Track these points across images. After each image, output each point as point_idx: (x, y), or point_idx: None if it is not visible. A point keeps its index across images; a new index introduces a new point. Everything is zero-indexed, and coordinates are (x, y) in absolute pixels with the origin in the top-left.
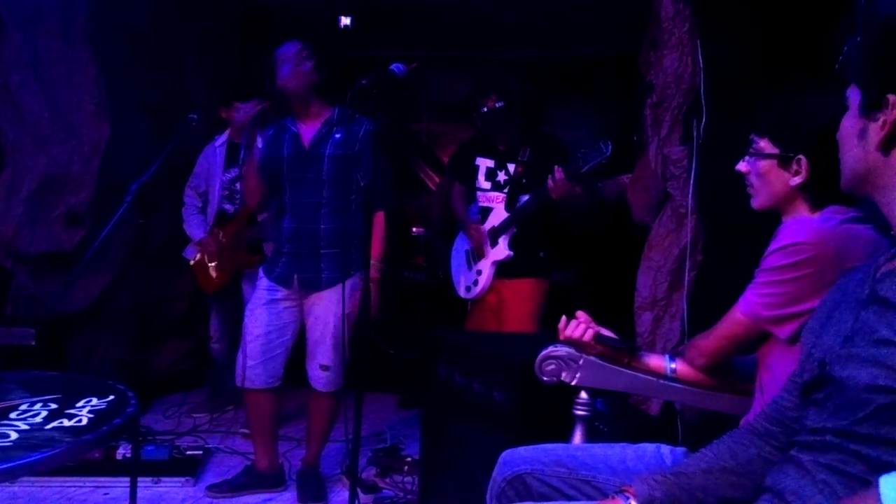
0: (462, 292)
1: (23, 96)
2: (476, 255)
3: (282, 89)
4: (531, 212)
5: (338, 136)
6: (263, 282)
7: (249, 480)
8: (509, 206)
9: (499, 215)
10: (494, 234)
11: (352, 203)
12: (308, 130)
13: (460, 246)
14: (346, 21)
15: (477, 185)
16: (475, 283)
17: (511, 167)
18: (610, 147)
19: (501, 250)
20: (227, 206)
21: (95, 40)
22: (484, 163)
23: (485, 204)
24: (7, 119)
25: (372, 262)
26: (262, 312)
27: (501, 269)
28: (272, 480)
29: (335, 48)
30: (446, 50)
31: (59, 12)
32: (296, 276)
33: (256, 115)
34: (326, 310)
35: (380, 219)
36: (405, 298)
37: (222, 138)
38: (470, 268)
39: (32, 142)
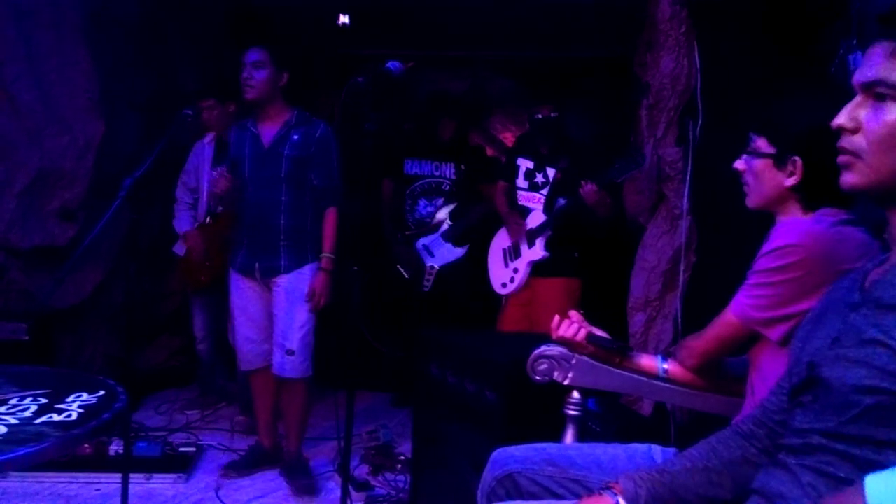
0: (498, 288)
1: (17, 90)
2: (513, 253)
3: (243, 95)
4: (567, 216)
5: (295, 137)
6: (232, 272)
7: (260, 458)
8: (547, 209)
9: (537, 217)
10: (532, 235)
11: (307, 200)
12: (268, 131)
13: (498, 243)
14: (344, 19)
15: (516, 184)
16: (511, 280)
17: (551, 172)
18: (647, 160)
19: (538, 251)
20: (215, 206)
21: (89, 35)
22: (524, 163)
23: (522, 203)
24: (2, 113)
25: (324, 254)
26: (240, 299)
27: (536, 268)
28: (276, 458)
29: (331, 45)
30: (443, 49)
31: (53, 7)
32: (256, 265)
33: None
34: (289, 294)
35: (331, 215)
36: (398, 296)
37: (210, 136)
38: (507, 265)
39: (26, 136)
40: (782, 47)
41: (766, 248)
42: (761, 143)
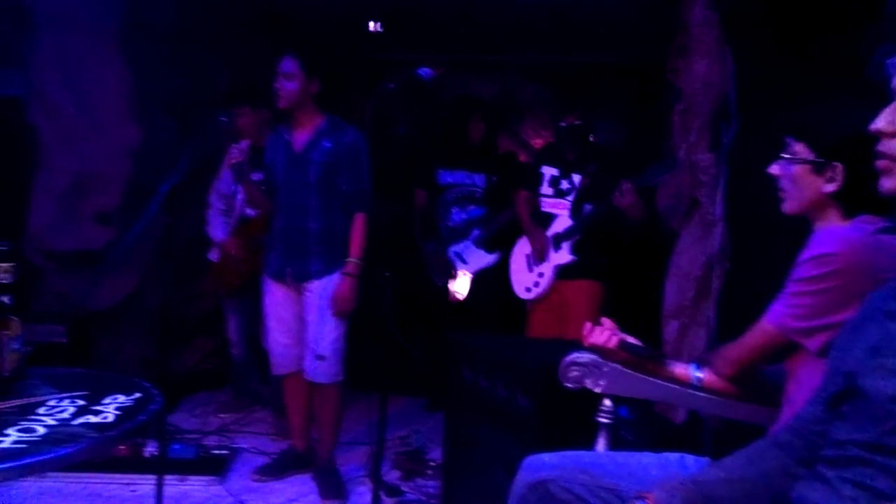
0: (521, 293)
1: (56, 97)
2: (538, 258)
3: (276, 104)
4: (595, 221)
5: (326, 144)
6: (266, 277)
7: (293, 461)
8: (574, 214)
9: (563, 222)
10: (558, 240)
11: (337, 205)
12: (299, 137)
13: (520, 249)
14: (375, 26)
15: (540, 192)
16: (536, 284)
17: (577, 178)
18: (679, 164)
19: (564, 255)
20: (249, 211)
21: (124, 40)
22: (549, 171)
23: (547, 210)
24: (40, 118)
25: (350, 259)
26: (272, 303)
27: (563, 271)
28: (309, 462)
29: (362, 51)
30: (472, 54)
31: (90, 12)
32: (288, 270)
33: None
34: (319, 300)
35: (360, 220)
36: (431, 301)
37: (246, 143)
38: (531, 270)
39: (65, 141)
40: (816, 51)
41: (804, 256)
42: (800, 149)
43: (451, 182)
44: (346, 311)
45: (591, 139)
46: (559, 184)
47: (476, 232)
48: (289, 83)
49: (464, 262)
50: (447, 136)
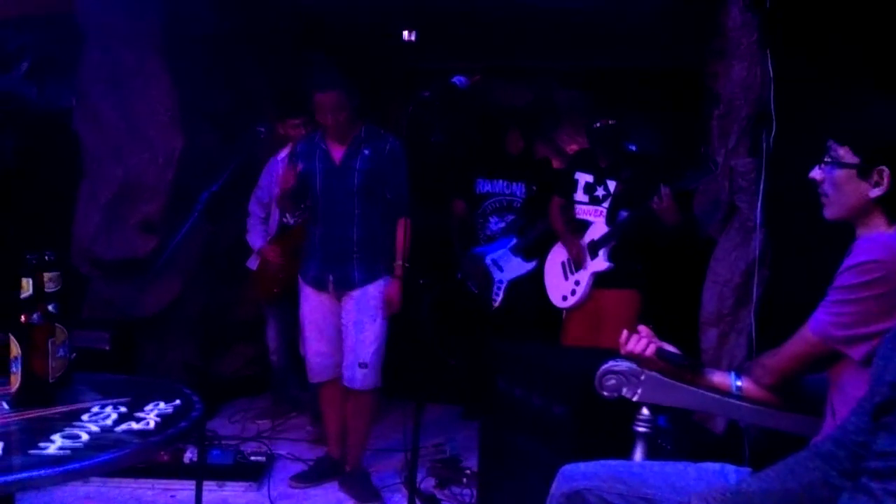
0: (558, 301)
1: (101, 108)
2: (574, 265)
3: (322, 125)
4: (631, 227)
5: (367, 152)
6: (304, 285)
7: (329, 468)
8: (610, 220)
9: (599, 229)
10: (594, 247)
11: (378, 212)
12: (338, 147)
13: (555, 257)
14: (409, 36)
15: (574, 199)
16: (572, 292)
17: (611, 184)
18: (719, 168)
19: (601, 262)
20: (288, 219)
21: (168, 52)
22: (583, 177)
23: (582, 217)
24: (87, 129)
25: (396, 262)
26: (311, 312)
27: (599, 279)
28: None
29: (399, 60)
30: (508, 60)
31: (136, 25)
32: (330, 278)
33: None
34: (362, 307)
35: (403, 224)
36: (467, 309)
37: (284, 152)
38: (567, 278)
39: (110, 151)
40: (857, 53)
41: (847, 263)
42: (843, 153)
43: (489, 191)
44: (395, 312)
45: (625, 144)
46: (594, 190)
47: (514, 240)
48: (336, 115)
49: (500, 269)
50: (485, 145)
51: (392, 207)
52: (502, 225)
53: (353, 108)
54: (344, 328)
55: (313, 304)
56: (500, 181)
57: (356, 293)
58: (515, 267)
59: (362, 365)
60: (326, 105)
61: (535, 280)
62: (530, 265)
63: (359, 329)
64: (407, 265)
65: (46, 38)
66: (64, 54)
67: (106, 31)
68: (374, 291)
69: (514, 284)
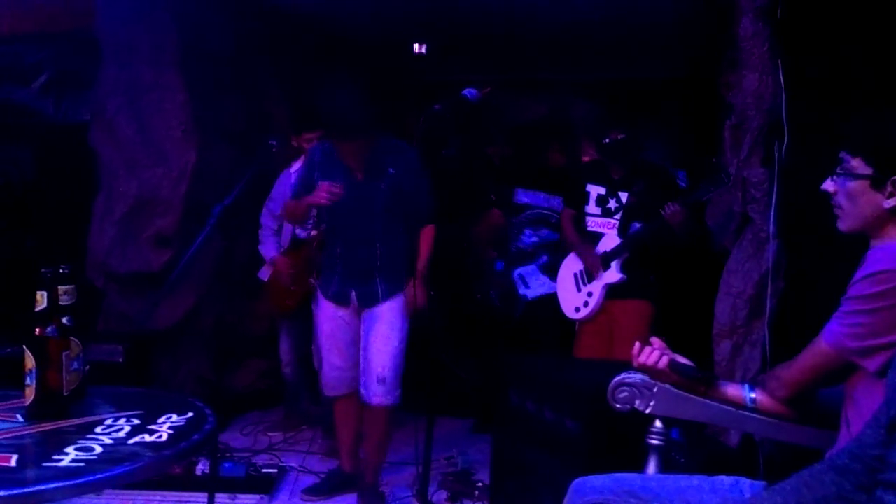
0: (570, 313)
1: (117, 122)
2: (587, 276)
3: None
4: (644, 238)
5: (391, 170)
6: (322, 300)
7: (341, 482)
8: (622, 232)
9: (611, 241)
10: (607, 259)
11: (401, 227)
12: (355, 159)
13: (568, 268)
14: (420, 48)
15: (586, 211)
16: (585, 304)
17: (623, 196)
18: (732, 178)
19: (614, 274)
20: (300, 232)
21: (184, 67)
22: (595, 189)
23: (594, 229)
24: (103, 144)
25: (419, 264)
26: (329, 327)
27: (612, 291)
28: (356, 483)
29: (412, 72)
30: (519, 73)
31: (153, 40)
32: (353, 293)
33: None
34: (384, 322)
35: (429, 231)
36: (480, 322)
37: (297, 164)
38: (579, 290)
39: (125, 166)
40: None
41: (861, 273)
42: (856, 164)
43: (528, 202)
44: (420, 308)
45: (638, 156)
46: (606, 202)
47: (545, 258)
48: (361, 153)
49: (526, 286)
50: (525, 157)
51: (416, 218)
52: (535, 239)
53: (370, 122)
54: (363, 342)
55: (332, 319)
56: (540, 193)
57: (378, 308)
58: (540, 285)
59: (381, 380)
60: (348, 150)
61: (556, 299)
62: (555, 285)
63: (381, 344)
64: (428, 268)
65: (65, 52)
66: (81, 69)
67: (124, 46)
68: (396, 306)
69: (536, 302)
